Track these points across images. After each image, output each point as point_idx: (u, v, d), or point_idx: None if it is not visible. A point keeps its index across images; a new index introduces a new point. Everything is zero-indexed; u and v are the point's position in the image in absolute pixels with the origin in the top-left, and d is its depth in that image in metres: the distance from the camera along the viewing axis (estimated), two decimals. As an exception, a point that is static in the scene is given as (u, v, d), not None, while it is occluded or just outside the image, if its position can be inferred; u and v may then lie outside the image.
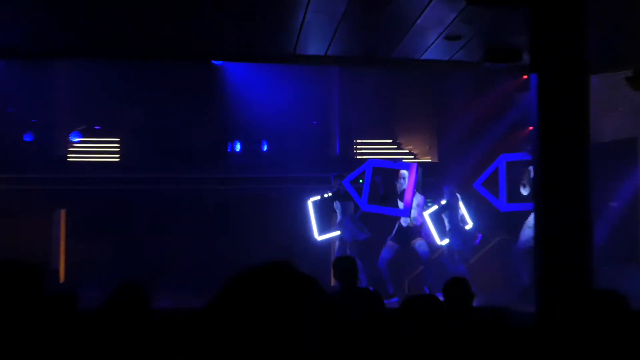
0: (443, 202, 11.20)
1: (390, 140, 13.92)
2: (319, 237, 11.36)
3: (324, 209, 11.34)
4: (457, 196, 11.30)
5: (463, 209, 11.48)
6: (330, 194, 11.04)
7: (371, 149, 13.75)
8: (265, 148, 13.12)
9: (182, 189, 12.66)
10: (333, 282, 11.39)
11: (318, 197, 11.23)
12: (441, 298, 5.58)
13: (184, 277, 11.75)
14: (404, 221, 10.47)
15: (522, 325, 7.24)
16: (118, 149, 13.10)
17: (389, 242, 10.53)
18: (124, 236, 12.18)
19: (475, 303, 5.50)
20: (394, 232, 10.60)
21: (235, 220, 12.61)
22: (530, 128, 12.54)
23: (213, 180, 12.70)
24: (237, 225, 12.56)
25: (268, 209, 12.65)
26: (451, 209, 11.18)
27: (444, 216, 11.37)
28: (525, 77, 12.41)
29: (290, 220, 12.35)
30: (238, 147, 13.05)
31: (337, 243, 11.18)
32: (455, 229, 11.00)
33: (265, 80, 12.72)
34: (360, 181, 10.79)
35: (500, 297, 10.11)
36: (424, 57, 6.12)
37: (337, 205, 11.01)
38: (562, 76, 5.51)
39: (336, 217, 11.24)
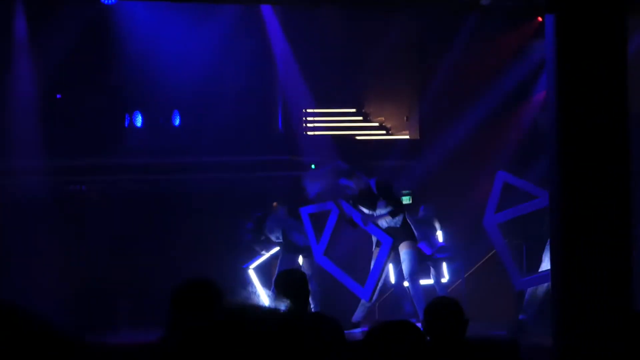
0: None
1: (354, 110, 13.97)
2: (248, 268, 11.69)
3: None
4: (434, 220, 11.68)
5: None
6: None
7: (327, 123, 13.78)
8: (177, 122, 13.04)
9: (57, 182, 12.52)
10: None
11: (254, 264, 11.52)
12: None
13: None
14: (390, 221, 10.56)
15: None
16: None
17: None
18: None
19: (468, 332, 5.55)
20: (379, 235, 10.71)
21: (135, 225, 12.53)
22: (544, 93, 12.81)
23: (103, 169, 12.58)
24: (138, 231, 12.48)
25: (181, 209, 12.60)
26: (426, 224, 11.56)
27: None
28: (540, 19, 12.61)
29: (217, 221, 12.37)
30: (139, 121, 12.95)
31: (279, 257, 11.36)
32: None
33: (177, 28, 12.64)
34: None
35: (499, 322, 10.31)
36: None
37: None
38: (590, 18, 5.54)
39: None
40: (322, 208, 10.93)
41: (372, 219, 10.42)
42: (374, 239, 10.52)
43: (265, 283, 11.32)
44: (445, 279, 11.78)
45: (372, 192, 10.43)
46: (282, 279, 6.42)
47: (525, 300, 9.85)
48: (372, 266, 10.46)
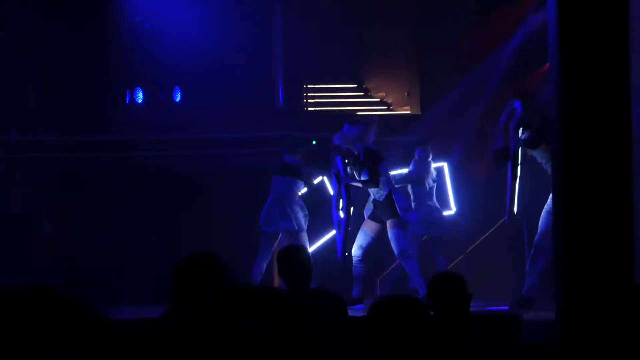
0: (403, 170, 11.51)
1: (355, 85, 13.95)
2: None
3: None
4: (429, 165, 11.50)
5: (449, 184, 11.78)
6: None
7: (328, 98, 13.77)
8: (178, 98, 13.01)
9: (53, 158, 12.50)
10: (277, 281, 11.54)
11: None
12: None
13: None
14: (375, 193, 10.56)
15: (534, 338, 7.40)
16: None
17: (366, 222, 10.67)
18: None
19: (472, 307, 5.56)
20: (367, 208, 10.70)
21: (137, 201, 12.51)
22: (548, 66, 12.77)
23: (104, 145, 12.55)
24: (141, 209, 12.47)
25: (185, 186, 12.59)
26: (418, 180, 11.42)
27: (410, 189, 11.59)
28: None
29: (217, 198, 12.34)
30: (140, 97, 12.91)
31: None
32: (428, 208, 11.31)
33: (178, 5, 12.61)
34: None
35: (505, 297, 10.30)
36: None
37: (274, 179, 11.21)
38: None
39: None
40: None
41: (347, 181, 10.46)
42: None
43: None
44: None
45: (360, 158, 10.43)
46: (285, 255, 6.42)
47: (527, 273, 9.84)
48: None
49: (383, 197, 10.45)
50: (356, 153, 10.46)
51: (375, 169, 10.35)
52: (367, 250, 10.64)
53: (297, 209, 11.03)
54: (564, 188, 5.73)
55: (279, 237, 11.10)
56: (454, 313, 5.42)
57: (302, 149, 11.28)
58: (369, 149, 10.40)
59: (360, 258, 10.62)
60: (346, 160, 10.55)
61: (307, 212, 11.07)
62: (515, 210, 10.11)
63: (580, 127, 5.64)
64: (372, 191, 10.50)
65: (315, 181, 11.37)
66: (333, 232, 11.12)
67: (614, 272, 5.54)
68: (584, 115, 5.64)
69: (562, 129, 5.66)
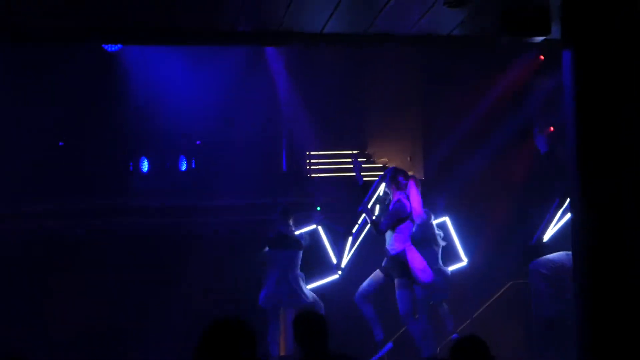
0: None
1: (357, 151, 13.96)
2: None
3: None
4: (433, 228, 11.49)
5: (455, 237, 11.73)
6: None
7: (330, 164, 13.78)
8: (184, 167, 13.04)
9: (61, 225, 12.49)
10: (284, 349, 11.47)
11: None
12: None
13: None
14: (388, 246, 10.50)
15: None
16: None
17: (377, 271, 10.61)
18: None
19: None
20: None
21: (143, 266, 12.49)
22: (552, 129, 12.83)
23: (109, 212, 12.56)
24: (148, 273, 12.45)
25: (187, 251, 12.57)
26: (427, 243, 11.38)
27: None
28: (542, 58, 12.66)
29: (223, 263, 12.31)
30: (145, 166, 12.93)
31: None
32: (437, 270, 11.26)
33: (181, 72, 12.69)
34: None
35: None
36: (413, 30, 6.14)
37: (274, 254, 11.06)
38: (608, 52, 5.55)
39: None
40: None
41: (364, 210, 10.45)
42: None
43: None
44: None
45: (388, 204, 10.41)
46: (302, 320, 6.39)
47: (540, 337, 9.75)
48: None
49: (395, 252, 10.37)
50: (389, 199, 10.43)
51: (389, 220, 10.27)
52: (367, 297, 10.53)
53: (301, 281, 10.98)
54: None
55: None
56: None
57: (292, 213, 11.17)
58: (400, 201, 10.33)
59: (362, 301, 10.52)
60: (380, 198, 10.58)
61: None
62: (544, 237, 10.04)
63: (599, 187, 5.69)
64: (387, 243, 10.40)
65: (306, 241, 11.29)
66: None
67: None
68: (603, 181, 5.69)
69: (581, 190, 5.70)
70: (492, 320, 12.19)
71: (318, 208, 12.46)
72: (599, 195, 5.71)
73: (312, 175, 13.73)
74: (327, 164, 13.81)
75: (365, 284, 10.46)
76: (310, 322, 6.33)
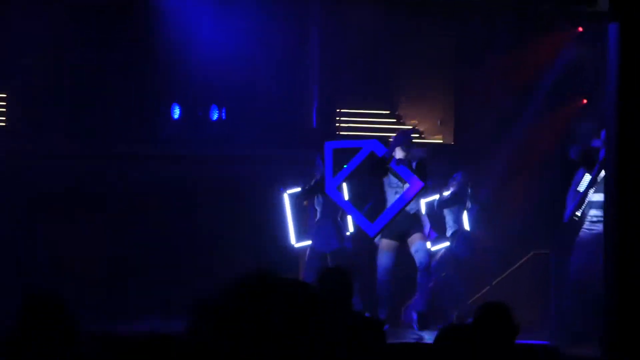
0: (446, 192, 11.44)
1: (388, 112, 13.94)
2: (296, 244, 11.48)
3: (301, 204, 11.38)
4: (468, 189, 11.49)
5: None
6: (312, 185, 11.01)
7: (359, 123, 13.76)
8: (215, 116, 13.04)
9: (94, 170, 12.55)
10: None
11: (298, 189, 11.22)
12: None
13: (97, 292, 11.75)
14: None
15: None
16: (3, 110, 12.96)
17: (385, 242, 10.50)
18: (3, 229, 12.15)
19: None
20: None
21: (173, 213, 12.55)
22: (585, 101, 12.75)
23: (140, 159, 12.61)
24: (177, 221, 12.51)
25: (220, 200, 12.61)
26: (459, 202, 11.40)
27: (446, 212, 11.57)
28: (580, 29, 12.54)
29: (252, 215, 12.36)
30: (177, 113, 12.94)
31: (307, 253, 11.21)
32: (462, 230, 11.27)
33: (215, 21, 12.65)
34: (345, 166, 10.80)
35: (536, 332, 10.21)
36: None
37: (318, 200, 10.99)
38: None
39: (313, 215, 11.27)
40: (351, 145, 10.72)
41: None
42: None
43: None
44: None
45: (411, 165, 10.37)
46: (327, 278, 6.42)
47: (568, 308, 9.73)
48: (391, 204, 10.34)
49: (413, 210, 10.44)
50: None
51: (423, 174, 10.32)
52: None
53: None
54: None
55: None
56: (500, 345, 5.38)
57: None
58: (422, 157, 10.44)
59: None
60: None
61: None
62: (578, 213, 9.97)
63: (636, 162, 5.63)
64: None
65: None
66: None
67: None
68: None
69: (618, 164, 5.64)
70: (511, 289, 12.21)
71: (344, 166, 12.45)
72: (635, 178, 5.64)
73: (341, 132, 13.70)
74: (356, 122, 13.78)
75: (385, 259, 10.44)
76: (336, 279, 6.36)
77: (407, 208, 10.37)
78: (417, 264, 10.37)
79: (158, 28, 12.61)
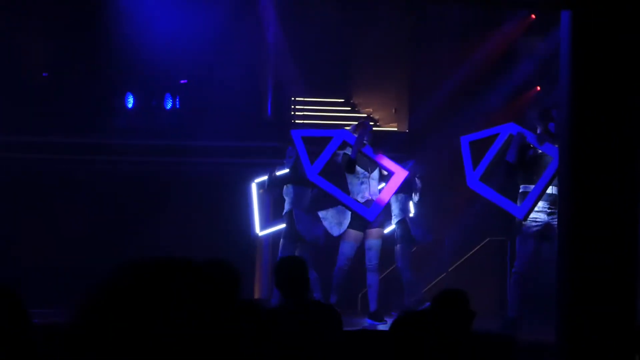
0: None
1: (342, 100, 13.95)
2: (260, 232, 11.46)
3: (266, 194, 11.31)
4: (416, 180, 11.49)
5: None
6: (283, 171, 10.92)
7: (315, 112, 13.76)
8: (169, 105, 12.94)
9: (44, 160, 12.41)
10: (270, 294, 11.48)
11: (264, 178, 11.13)
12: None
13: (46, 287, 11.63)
14: (360, 196, 10.42)
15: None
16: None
17: (350, 232, 10.46)
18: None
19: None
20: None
21: (125, 205, 12.45)
22: (538, 88, 12.84)
23: (92, 149, 12.49)
24: (130, 212, 12.40)
25: (172, 190, 12.54)
26: (407, 191, 11.39)
27: (393, 200, 11.56)
28: (533, 17, 12.62)
29: (206, 205, 12.32)
30: (130, 102, 12.83)
31: (281, 242, 11.05)
32: (407, 218, 11.25)
33: (171, 9, 12.57)
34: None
35: (489, 319, 10.26)
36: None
37: (288, 189, 10.87)
38: (609, 16, 5.50)
39: (279, 204, 11.20)
40: (321, 134, 10.62)
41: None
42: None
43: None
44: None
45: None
46: (283, 266, 6.39)
47: (513, 296, 9.73)
48: (357, 193, 10.34)
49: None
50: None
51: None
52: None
53: None
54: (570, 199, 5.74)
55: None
56: (456, 331, 5.40)
57: None
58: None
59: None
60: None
61: None
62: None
63: (589, 151, 5.65)
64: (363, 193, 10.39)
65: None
66: None
67: (617, 302, 5.54)
68: (592, 141, 5.64)
69: (570, 153, 5.66)
70: (467, 275, 12.29)
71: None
72: (590, 179, 5.66)
73: (296, 121, 13.68)
74: (311, 110, 13.78)
75: (347, 248, 10.44)
76: (292, 267, 6.33)
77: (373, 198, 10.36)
78: (366, 263, 10.36)
79: (112, 17, 12.50)
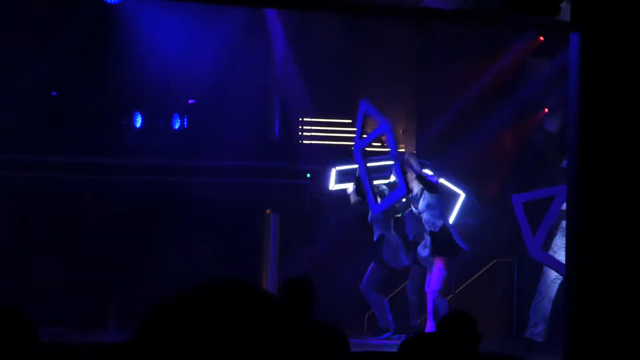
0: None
1: (350, 121, 13.93)
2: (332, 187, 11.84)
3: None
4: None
5: None
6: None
7: (323, 132, 13.75)
8: (177, 125, 12.96)
9: (52, 179, 12.43)
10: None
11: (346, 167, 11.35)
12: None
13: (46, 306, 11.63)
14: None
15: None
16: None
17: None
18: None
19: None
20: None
21: (132, 224, 12.45)
22: (546, 110, 12.83)
23: (100, 168, 12.50)
24: (137, 231, 12.41)
25: (180, 210, 12.54)
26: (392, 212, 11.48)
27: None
28: (541, 39, 12.63)
29: (213, 224, 12.32)
30: (139, 122, 12.85)
31: (371, 266, 11.14)
32: (387, 237, 11.31)
33: (179, 30, 12.61)
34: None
35: (496, 340, 10.24)
36: (420, 4, 6.09)
37: (371, 215, 11.17)
38: (615, 38, 5.51)
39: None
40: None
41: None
42: None
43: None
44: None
45: None
46: (288, 287, 6.37)
47: (530, 317, 9.75)
48: None
49: (438, 228, 10.53)
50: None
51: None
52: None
53: None
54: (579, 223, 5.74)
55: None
56: (463, 353, 5.38)
57: None
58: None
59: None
60: None
61: None
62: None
63: (598, 169, 5.65)
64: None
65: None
66: None
67: (628, 316, 5.52)
68: (601, 160, 5.65)
69: (579, 172, 5.67)
70: (474, 297, 12.25)
71: (308, 175, 12.45)
72: (598, 186, 5.67)
73: (304, 142, 13.69)
74: (319, 131, 13.77)
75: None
76: (297, 288, 6.31)
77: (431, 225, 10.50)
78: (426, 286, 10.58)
79: (121, 37, 12.54)
